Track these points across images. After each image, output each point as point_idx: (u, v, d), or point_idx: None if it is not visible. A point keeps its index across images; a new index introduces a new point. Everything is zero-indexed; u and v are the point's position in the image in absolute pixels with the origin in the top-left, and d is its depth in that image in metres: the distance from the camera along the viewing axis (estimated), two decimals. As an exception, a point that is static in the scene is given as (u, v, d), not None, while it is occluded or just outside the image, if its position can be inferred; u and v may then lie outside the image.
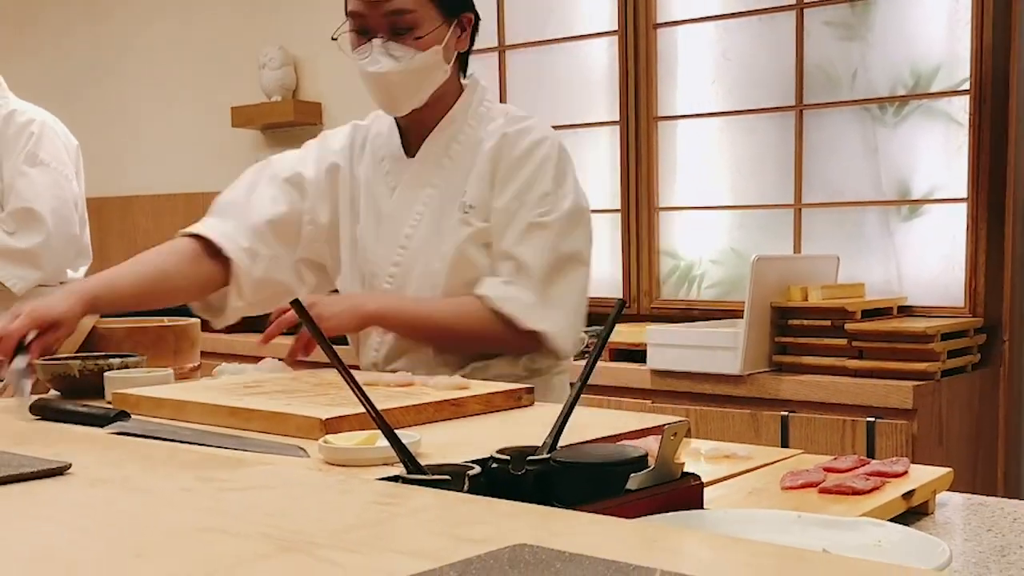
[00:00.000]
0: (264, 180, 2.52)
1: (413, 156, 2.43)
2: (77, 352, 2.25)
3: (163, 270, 2.38)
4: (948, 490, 1.61)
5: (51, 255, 3.58)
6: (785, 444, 3.41)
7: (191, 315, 2.53)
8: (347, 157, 2.53)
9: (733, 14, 4.30)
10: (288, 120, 5.65)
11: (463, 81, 2.48)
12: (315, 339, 1.30)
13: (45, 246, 3.53)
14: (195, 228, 2.43)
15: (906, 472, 1.56)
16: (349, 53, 2.33)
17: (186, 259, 2.40)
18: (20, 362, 2.00)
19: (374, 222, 2.45)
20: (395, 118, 2.44)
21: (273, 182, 2.51)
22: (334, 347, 1.27)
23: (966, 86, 3.77)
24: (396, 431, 1.29)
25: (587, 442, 1.47)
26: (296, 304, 1.29)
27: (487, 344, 2.33)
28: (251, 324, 5.28)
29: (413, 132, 2.43)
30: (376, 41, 2.26)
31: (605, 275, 4.65)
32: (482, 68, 5.01)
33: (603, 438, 1.55)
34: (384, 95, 2.36)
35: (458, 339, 2.34)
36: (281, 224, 2.47)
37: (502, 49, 4.94)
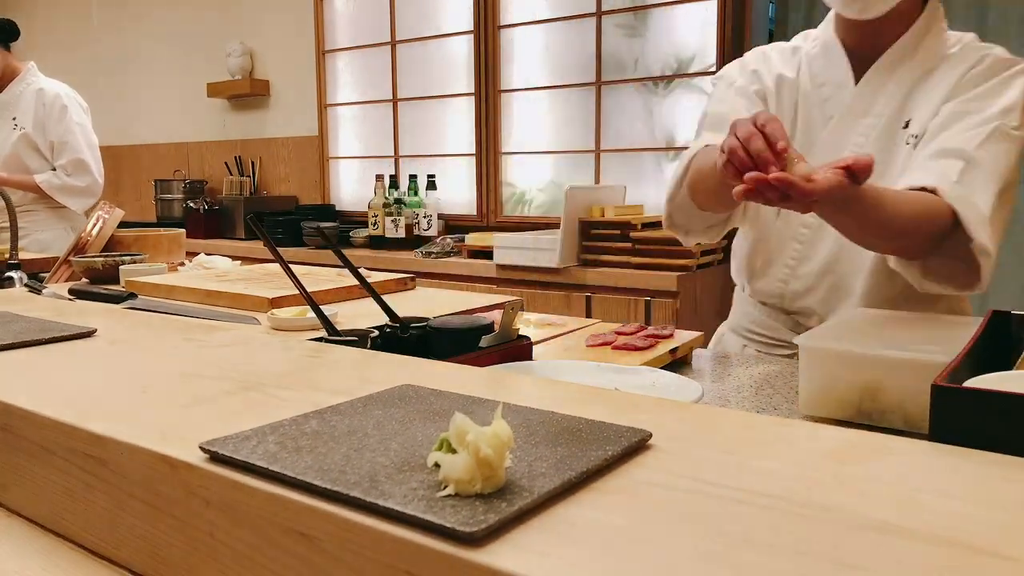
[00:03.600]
0: (732, 93, 1.73)
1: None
2: (101, 252, 2.26)
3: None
4: (700, 347, 1.65)
5: (98, 188, 3.73)
6: (589, 316, 3.44)
7: (180, 227, 2.52)
8: (794, 69, 1.71)
9: (553, 19, 4.25)
10: (246, 92, 5.53)
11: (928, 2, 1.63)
12: (267, 246, 1.29)
13: (95, 183, 3.70)
14: (698, 143, 1.65)
15: (672, 335, 1.60)
16: None
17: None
18: None
19: (805, 150, 1.61)
20: (841, 42, 1.64)
21: (743, 93, 1.72)
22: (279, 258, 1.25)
23: (713, 69, 3.80)
24: (321, 306, 1.29)
25: (452, 314, 1.48)
26: (253, 219, 1.27)
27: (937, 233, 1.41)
28: (216, 231, 5.17)
29: (860, 56, 1.63)
30: None
31: (464, 199, 4.65)
32: (378, 58, 4.95)
33: (463, 311, 1.56)
34: None
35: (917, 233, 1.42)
36: None
37: (393, 43, 4.83)
